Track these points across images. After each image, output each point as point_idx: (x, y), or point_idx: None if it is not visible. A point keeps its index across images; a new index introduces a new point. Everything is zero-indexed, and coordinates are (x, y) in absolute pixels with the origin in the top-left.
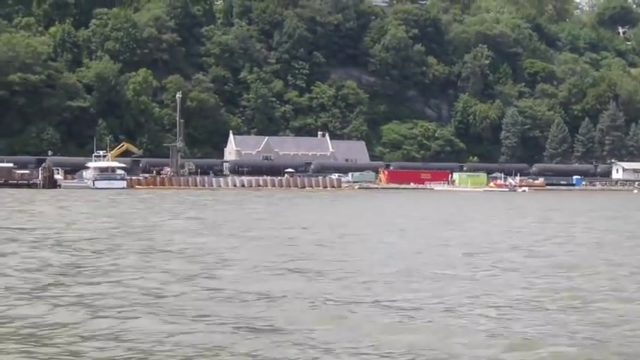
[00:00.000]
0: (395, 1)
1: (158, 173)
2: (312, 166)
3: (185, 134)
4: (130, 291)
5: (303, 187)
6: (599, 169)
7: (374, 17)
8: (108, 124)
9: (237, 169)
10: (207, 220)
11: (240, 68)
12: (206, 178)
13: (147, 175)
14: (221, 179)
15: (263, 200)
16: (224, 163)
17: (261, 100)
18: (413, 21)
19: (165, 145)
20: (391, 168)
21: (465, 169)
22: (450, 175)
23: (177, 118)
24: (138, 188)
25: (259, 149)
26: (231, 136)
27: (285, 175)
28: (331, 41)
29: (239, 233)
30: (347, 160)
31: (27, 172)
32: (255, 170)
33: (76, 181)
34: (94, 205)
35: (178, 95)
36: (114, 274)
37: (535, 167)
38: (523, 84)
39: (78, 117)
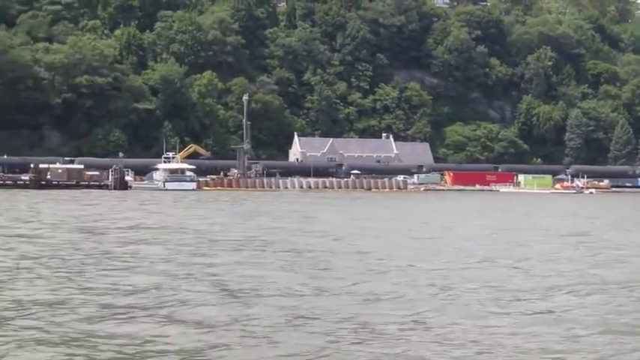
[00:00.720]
0: (456, 3)
1: (225, 175)
2: (343, 167)
3: (250, 136)
4: None
5: (369, 188)
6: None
7: (436, 19)
8: (173, 126)
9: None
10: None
11: (304, 70)
12: (273, 179)
13: (214, 176)
14: (287, 181)
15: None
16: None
17: (325, 101)
18: (475, 22)
19: (232, 147)
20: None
21: (499, 169)
22: (514, 177)
23: (244, 121)
24: (205, 190)
25: (324, 151)
26: (295, 137)
27: (351, 176)
28: (394, 43)
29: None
30: (378, 162)
31: (97, 173)
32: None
33: (145, 182)
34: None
35: (245, 97)
36: None
37: (571, 168)
38: (586, 85)
39: (144, 119)
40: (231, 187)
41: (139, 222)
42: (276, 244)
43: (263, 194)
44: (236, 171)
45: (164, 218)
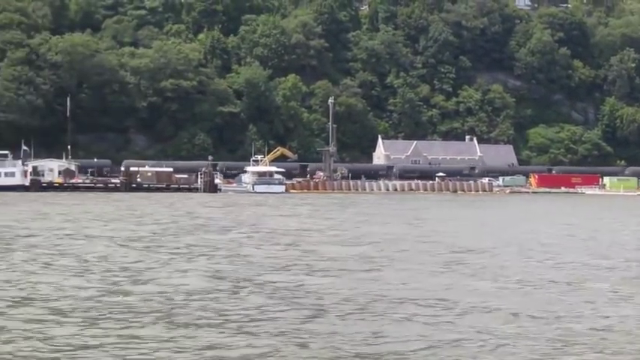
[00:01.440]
0: (537, 5)
1: (310, 177)
2: (394, 170)
3: (335, 139)
4: None
5: (455, 191)
6: None
7: (519, 21)
8: (258, 129)
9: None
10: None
11: (387, 73)
12: (359, 182)
13: (300, 179)
14: (374, 183)
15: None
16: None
17: (408, 104)
18: (558, 24)
19: (317, 149)
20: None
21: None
22: (600, 180)
23: (330, 123)
24: (292, 192)
25: (408, 153)
26: (379, 140)
27: (437, 179)
28: (477, 45)
29: None
30: (430, 164)
31: (185, 176)
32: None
33: (234, 185)
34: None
35: (330, 100)
36: None
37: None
38: None
39: (229, 122)
40: (317, 189)
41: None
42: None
43: (360, 196)
44: (322, 173)
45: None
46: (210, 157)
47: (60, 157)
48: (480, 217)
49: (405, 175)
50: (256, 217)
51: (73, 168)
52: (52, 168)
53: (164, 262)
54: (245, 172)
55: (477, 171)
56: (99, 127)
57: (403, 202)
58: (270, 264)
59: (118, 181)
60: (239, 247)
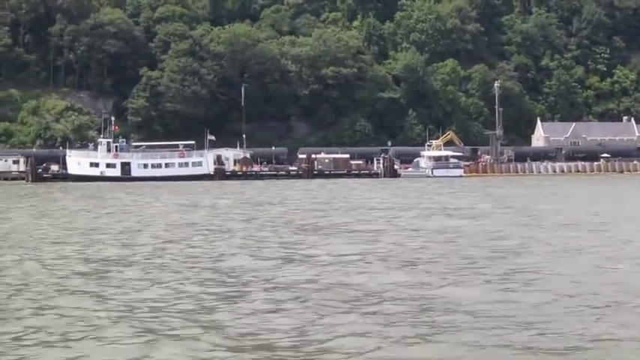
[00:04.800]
0: None
1: (476, 161)
2: (563, 152)
3: (491, 122)
4: None
5: (621, 171)
6: None
7: None
8: (418, 114)
9: None
10: None
11: (541, 55)
12: (526, 164)
13: (468, 163)
14: (541, 165)
15: None
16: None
17: (564, 86)
18: None
19: (485, 132)
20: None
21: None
22: None
23: (497, 107)
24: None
25: (567, 135)
26: (538, 122)
27: (601, 160)
28: (630, 25)
29: None
30: (599, 145)
31: (360, 162)
32: None
33: (410, 169)
34: None
35: (497, 84)
36: None
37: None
38: None
39: (388, 108)
40: (486, 172)
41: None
42: None
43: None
44: (488, 157)
45: None
46: (389, 143)
47: (226, 146)
48: None
49: (572, 156)
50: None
51: (248, 156)
52: (227, 157)
53: None
54: (420, 156)
55: None
56: (261, 116)
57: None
58: None
59: (295, 168)
60: None
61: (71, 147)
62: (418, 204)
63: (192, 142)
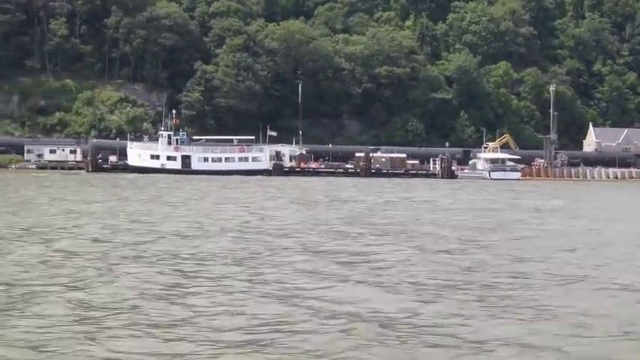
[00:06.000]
0: None
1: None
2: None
3: (542, 126)
4: None
5: None
6: None
7: None
8: (469, 116)
9: None
10: None
11: (593, 60)
12: (579, 169)
13: (522, 166)
14: (595, 170)
15: None
16: None
17: (616, 92)
18: None
19: (540, 137)
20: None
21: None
22: None
23: (551, 111)
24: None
25: (619, 141)
26: (590, 128)
27: None
28: None
29: None
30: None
31: (416, 162)
32: None
33: (467, 171)
34: None
35: (552, 88)
36: None
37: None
38: None
39: (440, 109)
40: (539, 176)
41: None
42: None
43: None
44: (542, 160)
45: None
46: (446, 144)
47: (278, 142)
48: None
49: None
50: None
51: (304, 152)
52: (284, 153)
53: None
54: (477, 158)
55: None
56: (314, 114)
57: None
58: None
59: (352, 166)
60: None
61: (124, 138)
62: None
63: (252, 137)
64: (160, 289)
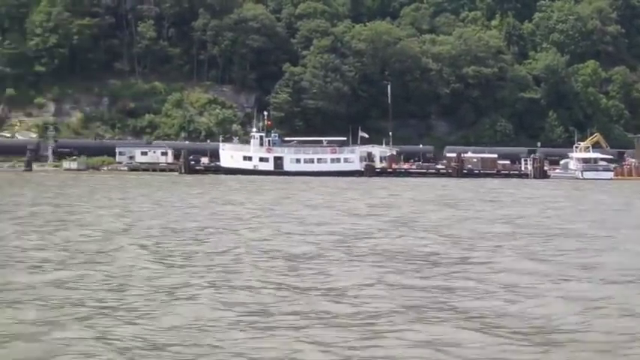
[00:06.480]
0: None
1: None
2: None
3: (632, 125)
4: None
5: None
6: None
7: None
8: (558, 116)
9: None
10: None
11: None
12: None
13: (613, 165)
14: None
15: None
16: None
17: None
18: None
19: (630, 136)
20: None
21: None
22: None
23: None
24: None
25: None
26: None
27: None
28: None
29: None
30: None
31: (507, 162)
32: None
33: (558, 171)
34: None
35: None
36: None
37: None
38: None
39: (529, 108)
40: (631, 176)
41: None
42: None
43: None
44: (633, 160)
45: None
46: (538, 144)
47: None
48: None
49: None
50: None
51: (394, 153)
52: (374, 154)
53: None
54: (569, 158)
55: None
56: (402, 114)
57: None
58: None
59: (443, 166)
60: None
61: (214, 140)
62: None
63: (344, 138)
64: None
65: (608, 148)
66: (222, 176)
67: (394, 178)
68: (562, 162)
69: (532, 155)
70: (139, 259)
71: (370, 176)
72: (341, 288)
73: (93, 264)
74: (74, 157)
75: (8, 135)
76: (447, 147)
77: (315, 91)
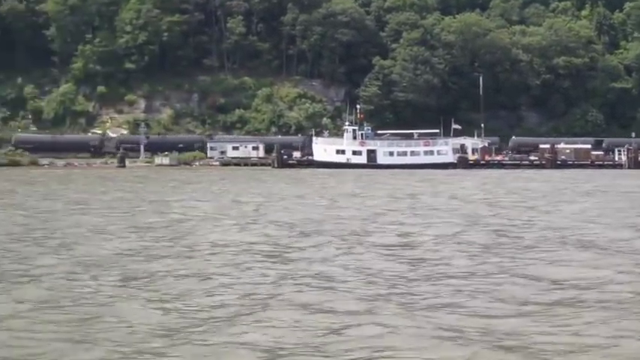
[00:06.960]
0: None
1: None
2: None
3: None
4: None
5: None
6: None
7: None
8: None
9: None
10: None
11: None
12: None
13: None
14: None
15: None
16: None
17: None
18: None
19: None
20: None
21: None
22: None
23: None
24: None
25: None
26: None
27: None
28: None
29: None
30: None
31: (601, 153)
32: None
33: None
34: None
35: None
36: None
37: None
38: None
39: (620, 98)
40: None
41: None
42: None
43: None
44: None
45: None
46: (632, 134)
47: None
48: None
49: None
50: None
51: (487, 145)
52: (467, 146)
53: None
54: None
55: None
56: (492, 105)
57: None
58: None
59: (536, 157)
60: None
61: (304, 134)
62: None
63: (437, 130)
64: None
65: None
66: (319, 170)
67: (489, 170)
68: None
69: (626, 145)
70: None
71: (463, 168)
72: None
73: None
74: (166, 153)
75: (99, 132)
76: (513, 138)
77: (405, 84)
